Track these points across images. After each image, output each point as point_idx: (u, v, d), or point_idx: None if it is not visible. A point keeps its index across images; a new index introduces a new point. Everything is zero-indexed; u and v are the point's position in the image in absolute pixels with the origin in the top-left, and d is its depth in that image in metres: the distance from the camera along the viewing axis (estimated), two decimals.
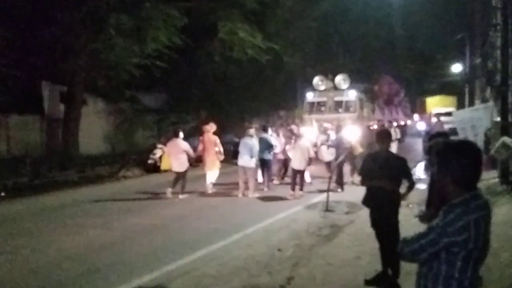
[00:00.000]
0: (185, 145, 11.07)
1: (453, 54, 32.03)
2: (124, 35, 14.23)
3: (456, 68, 32.03)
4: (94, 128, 18.48)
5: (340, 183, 11.16)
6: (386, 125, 19.78)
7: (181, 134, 11.36)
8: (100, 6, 13.65)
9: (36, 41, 13.80)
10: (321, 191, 10.65)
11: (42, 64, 14.71)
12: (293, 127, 13.36)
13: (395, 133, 16.69)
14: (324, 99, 18.98)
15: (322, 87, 19.21)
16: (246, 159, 10.79)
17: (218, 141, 11.58)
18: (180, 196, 10.72)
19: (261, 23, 18.42)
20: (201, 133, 11.76)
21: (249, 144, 10.86)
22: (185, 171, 10.99)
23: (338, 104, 18.73)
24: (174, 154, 11.08)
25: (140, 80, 16.84)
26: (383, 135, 5.17)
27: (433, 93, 37.92)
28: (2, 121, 15.84)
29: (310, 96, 19.33)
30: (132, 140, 20.38)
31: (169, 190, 10.75)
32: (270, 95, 23.77)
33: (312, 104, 19.18)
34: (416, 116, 35.67)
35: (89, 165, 15.87)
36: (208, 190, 11.36)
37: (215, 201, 10.51)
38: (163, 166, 15.99)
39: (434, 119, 24.13)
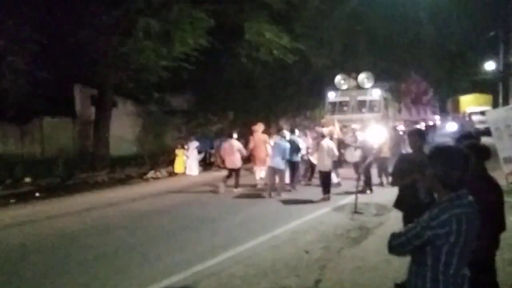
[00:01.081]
0: (238, 145, 12.11)
1: (485, 52, 31.16)
2: (153, 38, 14.44)
3: (489, 66, 31.12)
4: (123, 130, 18.84)
5: (369, 184, 11.00)
6: (407, 125, 18.97)
7: (235, 135, 12.50)
8: (129, 10, 13.91)
9: (68, 45, 14.17)
10: (349, 193, 10.54)
11: (73, 67, 15.10)
12: (318, 128, 13.30)
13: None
14: (347, 98, 18.18)
15: (345, 86, 18.40)
16: (278, 161, 10.75)
17: (268, 139, 12.27)
18: (235, 190, 11.74)
19: (287, 23, 18.31)
20: (250, 132, 13.00)
21: (282, 146, 10.83)
22: (239, 168, 12.04)
23: (362, 103, 17.89)
24: (229, 153, 12.10)
25: (168, 82, 17.06)
26: (416, 136, 5.03)
27: (465, 92, 36.92)
28: (36, 123, 16.36)
29: (332, 95, 18.59)
30: (161, 141, 20.67)
31: (221, 185, 11.77)
32: (296, 95, 23.62)
33: (334, 104, 18.42)
34: (449, 116, 34.60)
35: (119, 166, 16.21)
36: (259, 185, 12.27)
37: (242, 202, 10.54)
38: (177, 169, 16.15)
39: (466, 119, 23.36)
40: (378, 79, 18.79)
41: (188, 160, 16.16)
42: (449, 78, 38.33)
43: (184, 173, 16.06)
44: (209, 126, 21.40)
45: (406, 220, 4.90)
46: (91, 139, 17.14)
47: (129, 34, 14.40)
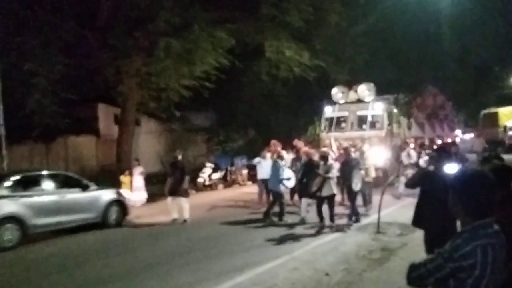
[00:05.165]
0: None
1: None
2: (174, 58, 14.65)
3: None
4: (146, 148, 19.07)
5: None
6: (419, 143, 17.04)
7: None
8: (151, 31, 14.19)
9: (92, 66, 14.53)
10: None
11: (97, 87, 15.44)
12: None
13: (408, 157, 13.11)
14: (345, 113, 16.18)
15: (343, 100, 16.51)
16: (274, 182, 10.43)
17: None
18: None
19: (307, 40, 18.29)
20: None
21: (277, 166, 10.46)
22: None
23: (362, 119, 15.84)
24: None
25: (189, 100, 17.24)
26: (439, 154, 4.90)
27: (491, 106, 35.95)
28: (61, 142, 16.71)
29: (328, 110, 16.62)
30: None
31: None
32: (318, 112, 23.46)
33: (330, 119, 16.37)
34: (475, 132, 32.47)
35: None
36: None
37: (259, 222, 10.24)
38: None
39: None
40: (392, 92, 17.49)
41: (133, 189, 13.77)
42: (475, 92, 37.54)
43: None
44: (230, 143, 21.50)
45: (428, 238, 4.73)
46: (113, 157, 17.37)
47: (151, 54, 14.65)
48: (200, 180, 16.57)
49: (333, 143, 14.53)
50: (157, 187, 16.50)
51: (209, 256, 7.45)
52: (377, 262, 6.67)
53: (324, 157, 9.49)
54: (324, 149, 10.82)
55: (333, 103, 16.69)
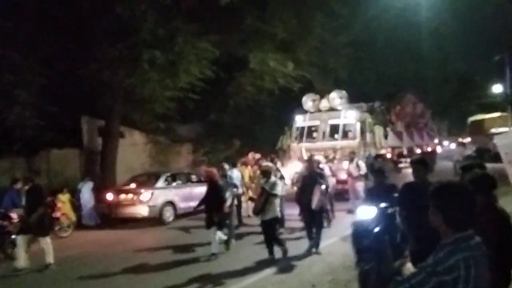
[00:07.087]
0: None
1: (492, 74, 31.17)
2: (158, 69, 14.59)
3: (497, 88, 31.04)
4: (131, 160, 18.85)
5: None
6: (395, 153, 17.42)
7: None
8: (134, 43, 14.12)
9: (75, 78, 14.35)
10: None
11: (80, 99, 15.26)
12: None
13: (357, 169, 11.86)
14: (317, 122, 15.54)
15: (314, 109, 15.94)
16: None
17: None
18: None
19: (291, 51, 18.42)
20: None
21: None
22: None
23: (334, 128, 15.16)
24: None
25: (174, 111, 17.16)
26: (418, 165, 4.88)
27: (473, 114, 36.56)
28: (43, 155, 16.42)
29: (299, 119, 15.97)
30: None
31: None
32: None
33: (302, 129, 15.73)
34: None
35: None
36: None
37: (245, 235, 10.14)
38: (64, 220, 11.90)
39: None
40: (374, 101, 17.25)
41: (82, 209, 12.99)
42: (457, 101, 38.19)
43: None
44: (216, 154, 21.40)
45: (414, 250, 4.72)
46: (98, 169, 17.13)
47: (135, 66, 14.58)
48: None
49: (304, 153, 14.03)
50: None
51: (193, 269, 7.35)
52: None
53: (266, 173, 7.94)
54: (268, 163, 9.90)
55: (304, 112, 16.17)
